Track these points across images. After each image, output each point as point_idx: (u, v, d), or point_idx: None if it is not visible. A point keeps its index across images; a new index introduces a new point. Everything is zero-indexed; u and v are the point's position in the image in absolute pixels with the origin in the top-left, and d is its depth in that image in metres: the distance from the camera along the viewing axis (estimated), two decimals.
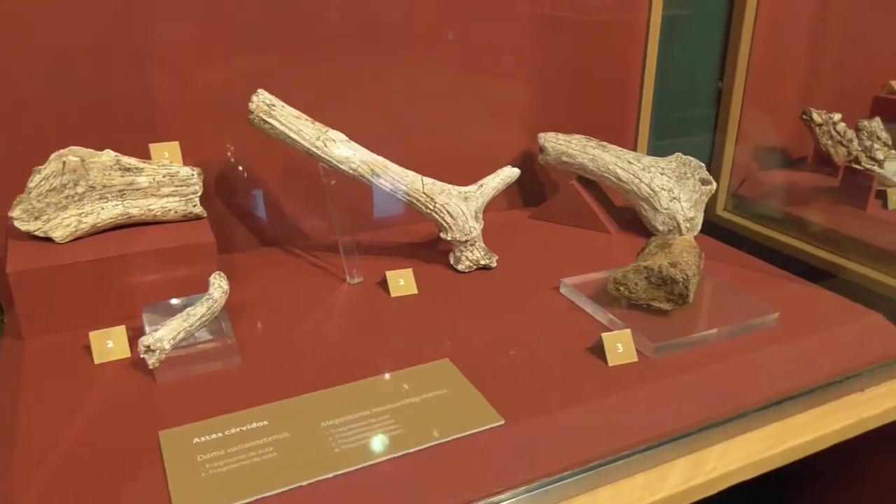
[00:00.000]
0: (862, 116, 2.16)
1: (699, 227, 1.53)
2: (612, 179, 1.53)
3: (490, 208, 1.66)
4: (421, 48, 1.51)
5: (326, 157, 1.24)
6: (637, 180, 1.51)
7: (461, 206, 1.33)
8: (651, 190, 1.50)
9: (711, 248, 1.52)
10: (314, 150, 1.23)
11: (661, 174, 1.52)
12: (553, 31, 1.65)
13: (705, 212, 2.04)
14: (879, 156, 1.67)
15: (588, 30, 1.68)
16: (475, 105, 1.62)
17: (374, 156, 1.27)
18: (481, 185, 1.36)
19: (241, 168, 1.43)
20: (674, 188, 1.51)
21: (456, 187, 1.34)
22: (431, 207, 1.31)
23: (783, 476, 1.14)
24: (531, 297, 1.29)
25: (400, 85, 1.52)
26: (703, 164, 1.55)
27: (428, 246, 1.42)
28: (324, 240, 1.48)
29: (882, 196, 1.73)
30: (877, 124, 1.74)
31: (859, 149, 1.71)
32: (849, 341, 1.20)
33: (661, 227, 1.51)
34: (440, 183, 1.32)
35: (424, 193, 1.30)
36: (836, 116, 1.88)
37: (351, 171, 1.25)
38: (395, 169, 1.28)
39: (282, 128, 1.22)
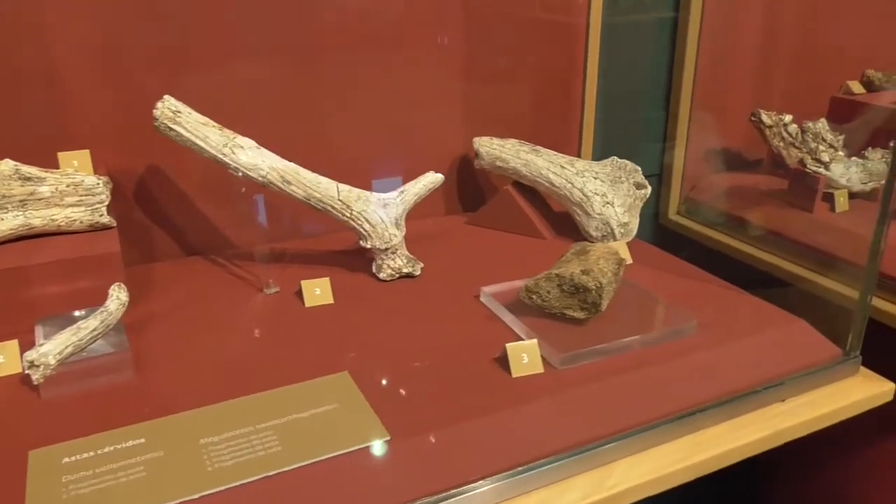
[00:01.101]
0: (821, 117, 2.13)
1: (634, 233, 1.50)
2: (545, 184, 1.50)
3: (427, 213, 1.63)
4: (353, 51, 1.48)
5: (234, 165, 1.21)
6: (570, 185, 1.48)
7: (380, 213, 1.29)
8: (584, 195, 1.47)
9: (648, 253, 1.48)
10: (221, 157, 1.20)
11: (595, 178, 1.49)
12: (493, 31, 1.62)
13: (657, 216, 2.01)
14: (825, 158, 1.63)
15: (529, 31, 1.66)
16: (412, 109, 1.59)
17: (286, 162, 1.24)
18: (402, 192, 1.33)
19: (163, 175, 1.40)
20: (607, 193, 1.47)
21: (375, 194, 1.31)
22: (348, 215, 1.28)
23: (754, 467, 1.10)
24: (450, 306, 1.26)
25: (332, 89, 1.49)
26: (638, 168, 1.52)
27: (354, 254, 1.39)
28: (250, 248, 1.45)
29: (829, 199, 1.69)
30: (822, 125, 1.71)
31: (805, 151, 1.68)
32: (771, 349, 1.16)
33: (594, 233, 1.48)
34: (357, 190, 1.29)
35: (340, 201, 1.27)
36: (787, 118, 1.85)
37: (260, 179, 1.22)
38: (307, 176, 1.25)
39: (188, 135, 1.19)
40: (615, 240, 1.46)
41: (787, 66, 2.07)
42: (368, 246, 1.30)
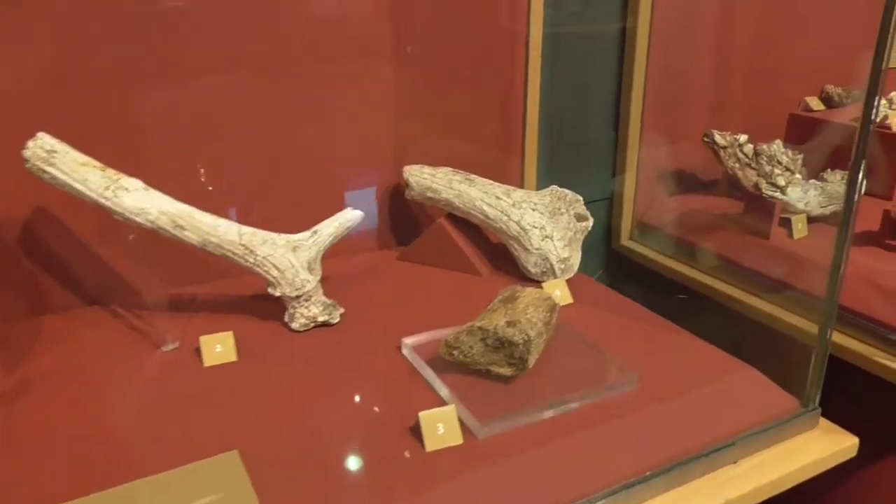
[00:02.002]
0: (777, 137, 2.04)
1: (575, 268, 1.38)
2: (479, 217, 1.38)
3: (357, 249, 1.51)
4: (275, 73, 1.35)
5: (119, 210, 1.07)
6: (505, 217, 1.36)
7: (289, 257, 1.16)
8: (521, 228, 1.35)
9: (590, 291, 1.37)
10: (103, 201, 1.06)
11: (533, 210, 1.37)
12: (427, 50, 1.49)
13: (608, 242, 1.90)
14: (781, 182, 1.53)
15: (466, 46, 1.54)
16: (339, 134, 1.46)
17: (179, 205, 1.11)
18: (315, 232, 1.20)
19: (56, 219, 1.26)
20: (546, 225, 1.36)
21: (284, 236, 1.18)
22: (252, 261, 1.14)
23: None
24: (369, 361, 1.13)
25: (258, 115, 1.35)
26: (579, 198, 1.41)
27: (266, 298, 1.25)
28: (156, 297, 1.31)
29: (787, 224, 1.59)
30: (777, 147, 1.61)
31: (760, 175, 1.58)
32: (721, 404, 1.05)
33: (533, 269, 1.36)
34: (263, 232, 1.16)
35: (242, 245, 1.13)
36: (742, 138, 1.75)
37: (149, 224, 1.08)
38: (203, 219, 1.11)
39: (64, 177, 1.05)
40: (555, 277, 1.35)
41: (744, 83, 1.97)
42: (277, 294, 1.17)
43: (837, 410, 1.12)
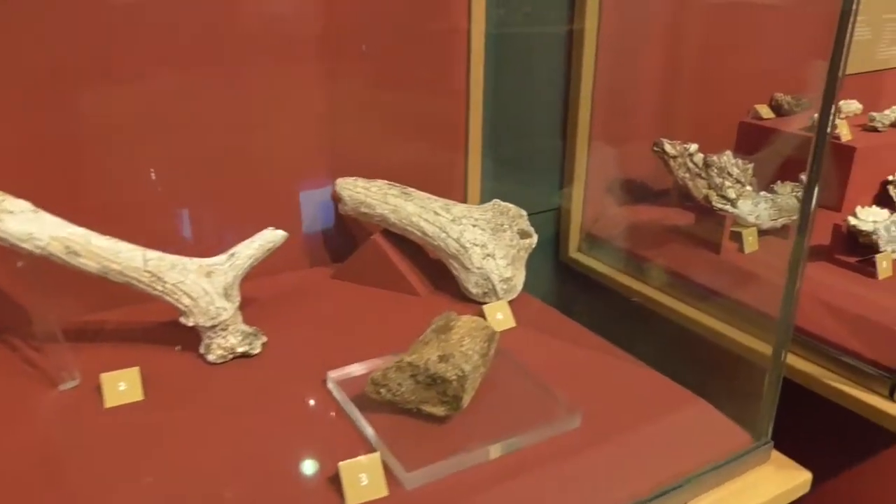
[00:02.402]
0: (727, 148, 2.00)
1: (519, 289, 1.30)
2: (416, 234, 1.29)
3: (287, 267, 1.40)
4: (183, 78, 1.24)
5: (3, 236, 0.95)
6: (444, 235, 1.27)
7: (202, 283, 1.05)
8: (460, 246, 1.26)
9: (535, 313, 1.29)
10: None
11: (474, 226, 1.28)
12: (362, 52, 1.39)
13: (557, 254, 1.83)
14: (731, 194, 1.48)
15: (404, 49, 1.44)
16: (269, 144, 1.35)
17: (74, 228, 0.99)
18: (233, 255, 1.09)
19: None
20: (488, 243, 1.27)
21: (196, 260, 1.07)
22: (161, 289, 1.03)
23: None
24: (291, 398, 1.03)
25: (185, 120, 1.24)
26: (523, 213, 1.33)
27: (181, 328, 1.14)
28: (54, 327, 1.18)
29: (738, 238, 1.54)
30: (727, 159, 1.55)
31: (710, 187, 1.52)
32: (669, 441, 0.98)
33: (474, 290, 1.27)
34: (172, 257, 1.05)
35: (148, 272, 1.02)
36: (692, 147, 1.69)
37: (38, 251, 0.96)
38: (101, 244, 1.00)
39: None
40: (497, 298, 1.26)
41: (695, 90, 1.92)
42: (190, 324, 1.06)
43: (787, 436, 1.07)
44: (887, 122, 1.82)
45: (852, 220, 1.44)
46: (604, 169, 1.80)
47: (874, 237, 1.43)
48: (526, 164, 1.71)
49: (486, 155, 1.58)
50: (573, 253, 1.79)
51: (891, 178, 1.78)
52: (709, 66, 1.91)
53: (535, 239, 1.31)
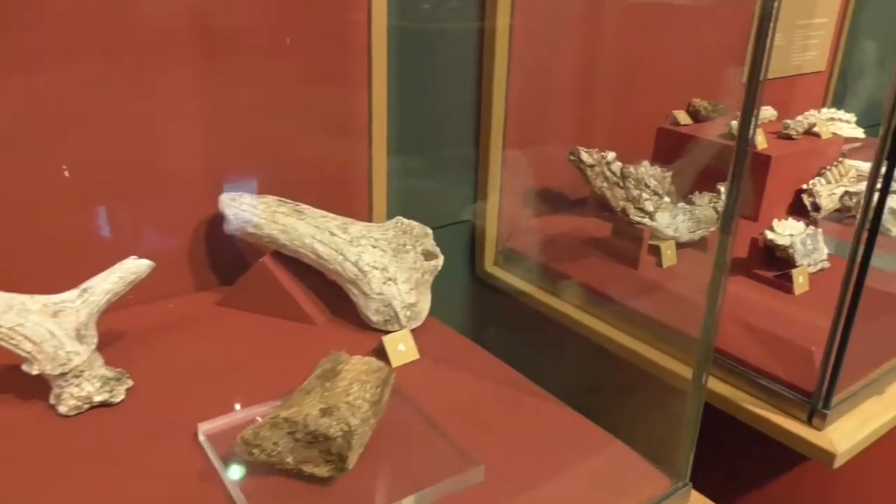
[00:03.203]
0: (649, 150, 1.95)
1: (424, 315, 1.20)
2: (310, 256, 1.16)
3: (169, 292, 1.25)
4: (45, 78, 1.07)
5: None
6: (341, 257, 1.15)
7: (48, 325, 0.90)
8: (359, 269, 1.15)
9: (441, 342, 1.18)
10: None
11: (374, 247, 1.17)
12: (254, 51, 1.26)
13: (472, 268, 1.74)
14: (649, 207, 1.42)
15: (301, 50, 1.31)
16: (145, 154, 1.19)
17: None
18: (86, 290, 0.94)
19: None
20: (389, 266, 1.16)
21: (40, 298, 0.91)
22: None
23: None
24: (155, 456, 0.89)
25: (33, 130, 1.07)
26: (428, 232, 1.22)
27: (29, 376, 0.98)
28: None
29: (656, 252, 1.48)
30: (644, 170, 1.49)
31: (627, 199, 1.46)
32: (580, 491, 0.89)
33: (374, 318, 1.16)
34: (7, 295, 0.89)
35: None
36: (610, 155, 1.62)
37: None
38: None
39: None
40: (400, 326, 1.15)
41: (614, 94, 1.86)
42: (35, 372, 0.91)
43: (709, 464, 1.01)
44: (801, 130, 1.80)
45: (769, 235, 1.40)
46: (520, 177, 1.72)
47: (790, 251, 1.39)
48: (438, 172, 1.61)
49: (392, 164, 1.47)
50: (489, 267, 1.70)
51: (805, 186, 1.76)
52: (628, 69, 1.85)
53: (440, 260, 1.20)
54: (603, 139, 1.84)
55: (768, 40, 0.78)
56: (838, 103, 2.36)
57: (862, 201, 1.06)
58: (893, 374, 1.26)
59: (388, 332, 1.14)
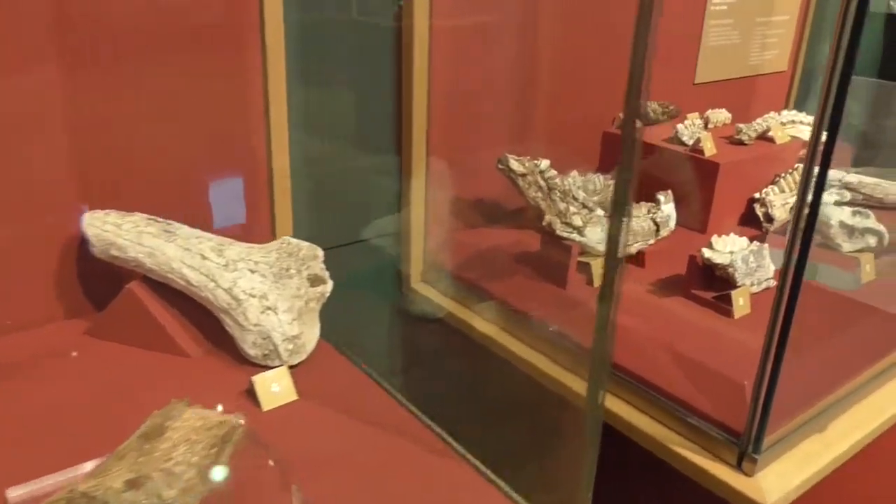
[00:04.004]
0: (595, 156, 1.82)
1: (310, 348, 1.07)
2: (180, 283, 1.03)
3: (33, 320, 1.12)
4: None
5: None
6: (212, 284, 1.02)
7: None
8: (232, 297, 1.02)
9: (327, 378, 1.05)
10: None
11: (252, 272, 1.04)
12: (129, 49, 1.12)
13: (400, 284, 1.61)
14: (577, 221, 1.29)
15: (183, 45, 1.17)
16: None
17: None
18: None
19: None
20: (268, 293, 1.03)
21: None
22: None
23: None
24: None
25: None
26: (318, 254, 1.09)
27: None
28: None
29: (586, 269, 1.35)
30: (572, 181, 1.37)
31: (554, 213, 1.33)
32: None
33: (252, 352, 1.03)
34: None
35: None
36: (544, 163, 1.49)
37: None
38: None
39: None
40: (281, 361, 1.02)
41: (558, 97, 1.72)
42: None
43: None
44: (753, 135, 1.68)
45: (706, 253, 1.27)
46: (449, 186, 1.59)
47: (730, 270, 1.27)
48: (358, 182, 1.48)
49: (302, 175, 1.34)
50: (415, 283, 1.57)
51: (758, 195, 1.64)
52: (574, 68, 1.72)
53: (329, 286, 1.07)
54: (545, 144, 1.72)
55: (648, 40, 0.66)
56: (802, 105, 2.24)
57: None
58: (837, 408, 1.14)
59: (269, 367, 1.01)
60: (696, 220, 1.61)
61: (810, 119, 2.02)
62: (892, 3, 2.28)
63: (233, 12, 1.18)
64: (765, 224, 1.61)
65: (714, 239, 1.31)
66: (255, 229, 1.30)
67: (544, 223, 1.30)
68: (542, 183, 1.49)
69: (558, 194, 1.32)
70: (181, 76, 1.18)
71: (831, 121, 0.83)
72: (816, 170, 0.86)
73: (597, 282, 1.35)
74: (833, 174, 1.79)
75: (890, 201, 1.72)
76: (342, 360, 1.11)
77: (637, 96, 0.73)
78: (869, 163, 2.09)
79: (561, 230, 1.29)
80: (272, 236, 1.31)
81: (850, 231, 1.33)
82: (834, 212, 1.34)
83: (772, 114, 2.04)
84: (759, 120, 2.04)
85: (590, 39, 1.72)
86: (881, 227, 1.32)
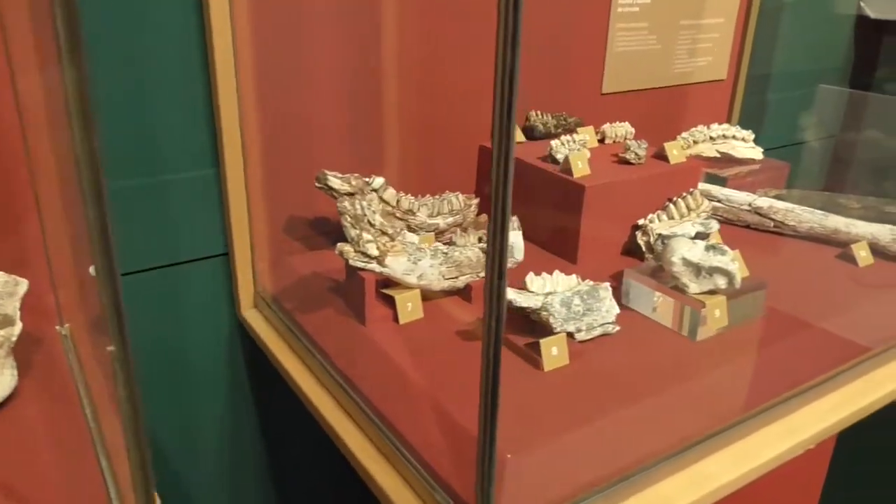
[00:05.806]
0: (471, 171, 1.64)
1: (7, 392, 0.93)
2: None
3: None
4: None
5: None
6: None
7: None
8: None
9: (20, 436, 0.91)
10: None
11: None
12: None
13: (234, 308, 1.47)
14: (371, 250, 1.12)
15: None
16: None
17: None
18: None
19: None
20: None
21: None
22: None
23: None
24: None
25: None
26: (16, 291, 0.96)
27: None
28: None
29: (391, 302, 1.18)
30: (366, 205, 1.19)
31: (348, 240, 1.16)
32: None
33: None
34: None
35: None
36: (377, 181, 1.34)
37: None
38: None
39: None
40: None
41: (430, 104, 1.55)
42: None
43: None
44: (643, 154, 1.46)
45: (510, 294, 1.08)
46: (284, 203, 1.44)
47: (544, 315, 1.07)
48: (172, 197, 1.34)
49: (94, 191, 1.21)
50: (245, 311, 1.42)
51: (640, 222, 1.43)
52: (454, 70, 1.53)
53: (17, 328, 0.93)
54: (415, 159, 1.55)
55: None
56: (750, 119, 2.00)
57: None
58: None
59: None
60: (565, 248, 1.41)
61: (745, 133, 1.80)
62: (862, 3, 2.01)
63: None
64: (647, 255, 1.40)
65: (528, 279, 1.12)
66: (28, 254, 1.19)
67: (336, 252, 1.13)
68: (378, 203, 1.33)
69: (348, 220, 1.15)
70: None
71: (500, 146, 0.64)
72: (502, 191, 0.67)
73: (404, 318, 1.18)
74: (742, 197, 1.56)
75: (803, 230, 1.49)
76: (49, 407, 0.97)
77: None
78: (813, 184, 1.84)
79: (354, 260, 1.12)
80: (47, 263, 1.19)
81: (697, 270, 1.11)
82: (681, 246, 1.12)
83: (700, 127, 1.83)
84: (684, 134, 1.83)
85: (461, 36, 1.54)
86: (732, 267, 1.10)
